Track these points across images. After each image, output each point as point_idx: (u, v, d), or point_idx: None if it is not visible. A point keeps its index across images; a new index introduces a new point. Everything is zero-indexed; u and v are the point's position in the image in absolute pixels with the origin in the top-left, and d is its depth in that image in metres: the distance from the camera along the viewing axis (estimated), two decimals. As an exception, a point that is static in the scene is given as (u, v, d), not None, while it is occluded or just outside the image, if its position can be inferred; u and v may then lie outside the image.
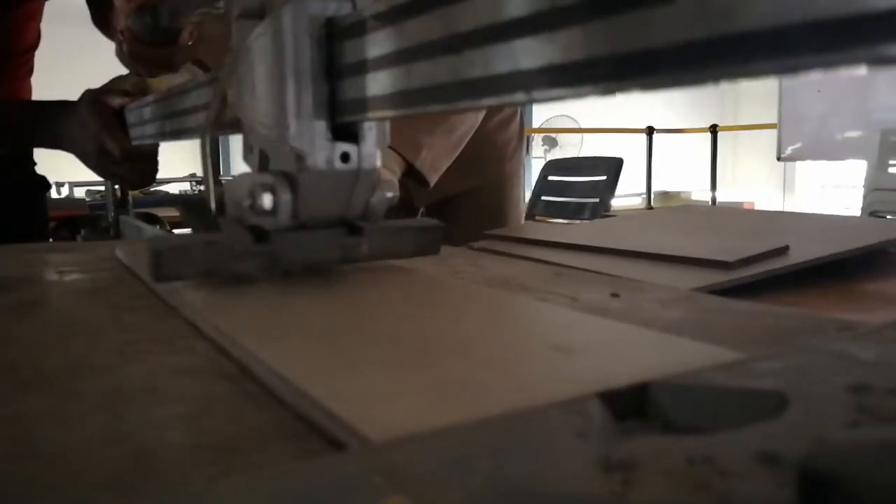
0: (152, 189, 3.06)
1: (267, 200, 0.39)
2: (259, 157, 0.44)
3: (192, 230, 0.39)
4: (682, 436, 0.19)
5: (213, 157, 0.48)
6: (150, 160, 0.90)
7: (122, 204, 0.98)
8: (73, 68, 3.48)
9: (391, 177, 0.86)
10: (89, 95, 0.85)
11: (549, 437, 0.19)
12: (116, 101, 0.85)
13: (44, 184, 1.12)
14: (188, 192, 3.49)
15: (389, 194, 0.43)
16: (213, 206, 0.47)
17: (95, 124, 0.83)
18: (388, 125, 0.41)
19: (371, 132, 0.40)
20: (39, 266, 0.56)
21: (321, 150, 0.39)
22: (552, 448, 0.18)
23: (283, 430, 0.22)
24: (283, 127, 0.38)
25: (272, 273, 0.41)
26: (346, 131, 0.39)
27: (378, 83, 0.34)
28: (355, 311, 0.36)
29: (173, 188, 3.34)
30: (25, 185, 1.07)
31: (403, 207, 1.03)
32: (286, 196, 0.39)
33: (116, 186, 0.96)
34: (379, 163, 0.41)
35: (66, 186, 3.28)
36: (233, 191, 0.44)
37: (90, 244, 0.71)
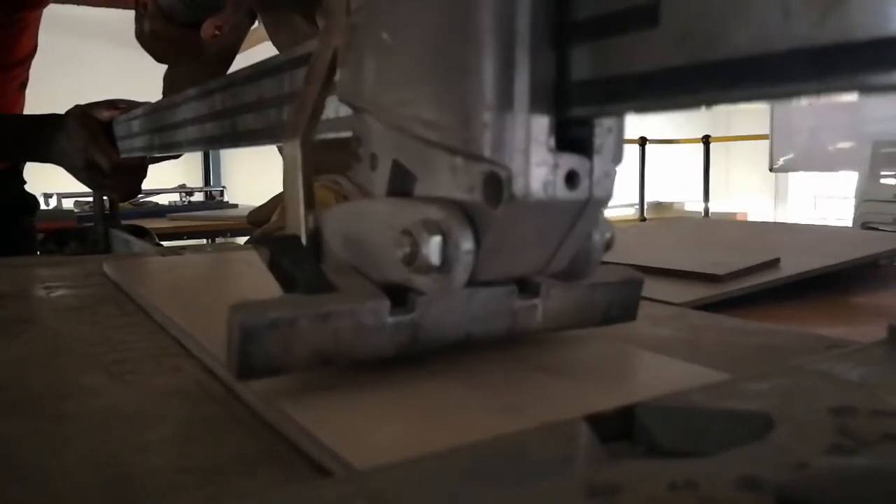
0: (141, 200, 3.06)
1: (435, 250, 0.24)
2: (391, 175, 0.29)
3: (286, 286, 0.27)
4: (666, 460, 0.19)
5: (305, 171, 0.32)
6: (139, 172, 0.90)
7: (111, 216, 0.98)
8: (69, 79, 3.48)
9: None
10: (78, 109, 0.86)
11: (534, 461, 0.19)
12: (104, 115, 0.85)
13: (32, 203, 1.11)
14: (178, 203, 3.45)
15: (608, 235, 0.29)
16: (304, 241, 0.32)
17: (83, 138, 0.83)
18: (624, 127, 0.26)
19: (610, 137, 0.24)
20: (26, 282, 0.56)
21: (539, 167, 0.23)
22: (537, 473, 0.18)
23: (269, 455, 0.22)
24: (472, 126, 0.23)
25: (408, 353, 0.27)
26: (568, 136, 0.24)
27: (652, 49, 0.20)
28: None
29: (162, 199, 3.33)
30: (14, 204, 1.07)
31: None
32: (467, 244, 0.24)
33: (105, 198, 0.96)
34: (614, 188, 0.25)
35: (55, 198, 3.27)
36: (343, 224, 0.30)
37: (78, 258, 0.71)
